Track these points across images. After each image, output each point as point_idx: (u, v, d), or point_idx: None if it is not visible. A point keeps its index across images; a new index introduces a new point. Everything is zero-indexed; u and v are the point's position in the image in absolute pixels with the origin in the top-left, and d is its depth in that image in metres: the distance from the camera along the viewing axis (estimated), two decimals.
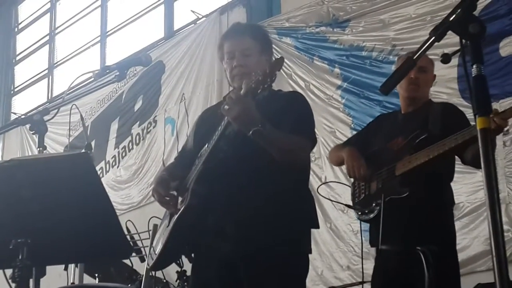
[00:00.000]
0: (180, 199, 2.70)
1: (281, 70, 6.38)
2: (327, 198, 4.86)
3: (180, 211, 2.63)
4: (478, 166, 3.23)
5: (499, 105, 4.84)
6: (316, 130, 6.10)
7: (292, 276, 2.60)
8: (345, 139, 5.78)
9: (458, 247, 4.69)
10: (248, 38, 2.80)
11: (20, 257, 2.16)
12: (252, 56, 2.76)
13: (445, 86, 5.12)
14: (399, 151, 3.30)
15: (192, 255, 2.78)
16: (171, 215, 2.74)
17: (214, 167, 2.63)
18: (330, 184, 5.75)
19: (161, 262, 2.80)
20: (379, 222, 3.26)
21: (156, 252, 2.74)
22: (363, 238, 3.64)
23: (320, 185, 4.65)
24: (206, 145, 2.67)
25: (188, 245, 2.73)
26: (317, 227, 2.75)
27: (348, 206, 3.64)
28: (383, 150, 3.40)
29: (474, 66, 1.52)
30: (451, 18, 1.56)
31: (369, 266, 5.11)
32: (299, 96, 2.91)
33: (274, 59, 2.78)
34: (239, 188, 2.60)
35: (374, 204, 3.33)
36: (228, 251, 2.59)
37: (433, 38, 1.59)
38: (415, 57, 1.64)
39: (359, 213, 3.45)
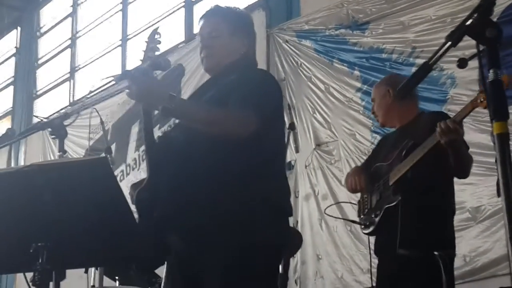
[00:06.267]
0: None
1: (301, 73, 6.47)
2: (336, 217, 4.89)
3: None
4: (458, 175, 3.31)
5: None
6: (335, 132, 6.14)
7: (261, 272, 2.41)
8: (365, 141, 5.81)
9: (480, 250, 4.69)
10: (216, 19, 2.74)
11: (40, 260, 2.19)
12: (220, 38, 2.68)
13: (466, 88, 5.08)
14: (392, 162, 3.39)
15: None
16: None
17: (161, 157, 2.49)
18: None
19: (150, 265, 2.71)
20: (379, 233, 3.35)
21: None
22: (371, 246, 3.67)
23: (328, 207, 4.80)
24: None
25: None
26: (290, 214, 2.58)
27: (353, 221, 3.70)
28: (381, 165, 3.49)
29: (491, 71, 1.51)
30: (467, 23, 1.55)
31: None
32: (257, 72, 2.75)
33: (248, 40, 2.73)
34: (184, 175, 2.43)
35: (373, 216, 3.38)
36: (183, 249, 2.46)
37: (449, 43, 1.58)
38: (430, 62, 1.63)
39: (362, 227, 3.50)
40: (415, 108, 3.61)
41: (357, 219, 3.68)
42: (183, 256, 2.49)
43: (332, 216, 4.87)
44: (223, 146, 2.41)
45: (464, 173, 3.32)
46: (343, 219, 4.16)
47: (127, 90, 2.41)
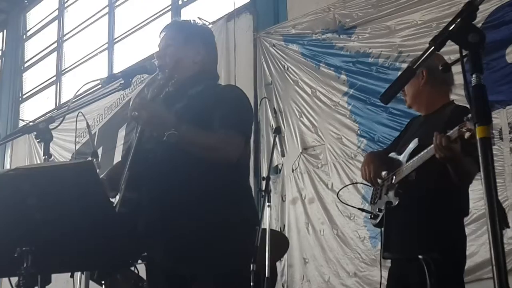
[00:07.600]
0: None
1: (288, 77, 6.49)
2: (348, 204, 4.88)
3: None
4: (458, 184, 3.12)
5: (506, 111, 4.84)
6: (322, 136, 6.14)
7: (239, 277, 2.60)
8: (351, 145, 5.83)
9: (466, 253, 4.70)
10: (171, 31, 2.84)
11: (24, 265, 2.18)
12: (172, 46, 2.77)
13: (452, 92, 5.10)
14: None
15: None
16: None
17: (140, 171, 2.57)
18: (336, 190, 5.76)
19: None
20: (383, 230, 3.28)
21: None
22: (370, 245, 3.66)
23: (340, 189, 4.77)
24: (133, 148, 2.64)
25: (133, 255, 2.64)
26: (258, 225, 2.82)
27: (362, 210, 3.68)
28: (394, 156, 3.38)
29: (474, 76, 1.52)
30: (450, 28, 1.56)
31: (376, 273, 5.14)
32: (233, 89, 2.89)
33: (203, 49, 2.80)
34: (168, 189, 2.54)
35: (377, 210, 3.35)
36: (167, 259, 2.57)
37: (433, 47, 1.59)
38: (414, 66, 1.64)
39: (369, 217, 3.47)
40: (445, 96, 3.41)
41: (365, 207, 3.62)
42: (168, 264, 2.58)
43: (346, 204, 4.87)
44: (204, 163, 2.52)
45: (463, 184, 3.14)
46: (354, 207, 4.14)
47: (133, 113, 2.46)
